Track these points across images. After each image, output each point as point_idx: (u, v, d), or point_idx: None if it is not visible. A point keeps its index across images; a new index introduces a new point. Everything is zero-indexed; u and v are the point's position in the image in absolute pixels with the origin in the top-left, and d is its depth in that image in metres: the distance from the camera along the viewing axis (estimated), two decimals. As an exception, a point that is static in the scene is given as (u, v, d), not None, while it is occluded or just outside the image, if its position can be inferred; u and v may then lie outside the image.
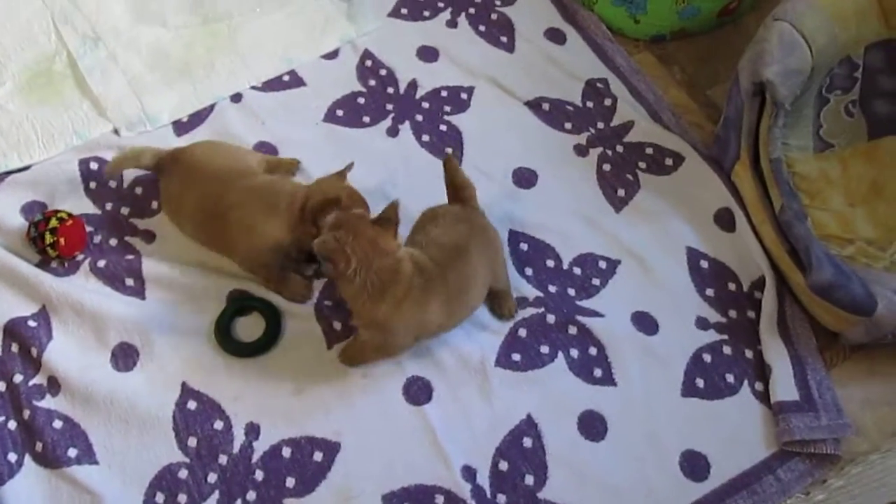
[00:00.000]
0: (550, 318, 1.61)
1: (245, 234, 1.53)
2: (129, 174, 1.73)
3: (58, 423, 1.44)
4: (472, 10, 2.08)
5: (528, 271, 1.68)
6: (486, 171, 1.80)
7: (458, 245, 1.45)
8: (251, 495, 1.41)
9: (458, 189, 1.54)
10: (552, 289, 1.66)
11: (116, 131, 1.80)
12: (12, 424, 1.44)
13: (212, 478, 1.42)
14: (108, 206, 1.70)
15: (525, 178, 1.80)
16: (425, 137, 1.84)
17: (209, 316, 1.56)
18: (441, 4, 2.09)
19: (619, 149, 1.86)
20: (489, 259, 1.51)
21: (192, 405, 1.47)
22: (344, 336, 1.56)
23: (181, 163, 1.61)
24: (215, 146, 1.69)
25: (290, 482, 1.42)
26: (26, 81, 1.87)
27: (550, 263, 1.69)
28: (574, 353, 1.59)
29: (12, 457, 1.41)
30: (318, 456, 1.45)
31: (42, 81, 1.87)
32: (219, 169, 1.58)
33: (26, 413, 1.45)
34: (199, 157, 1.61)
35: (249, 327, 1.57)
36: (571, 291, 1.66)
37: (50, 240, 1.55)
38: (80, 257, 1.61)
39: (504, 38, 2.04)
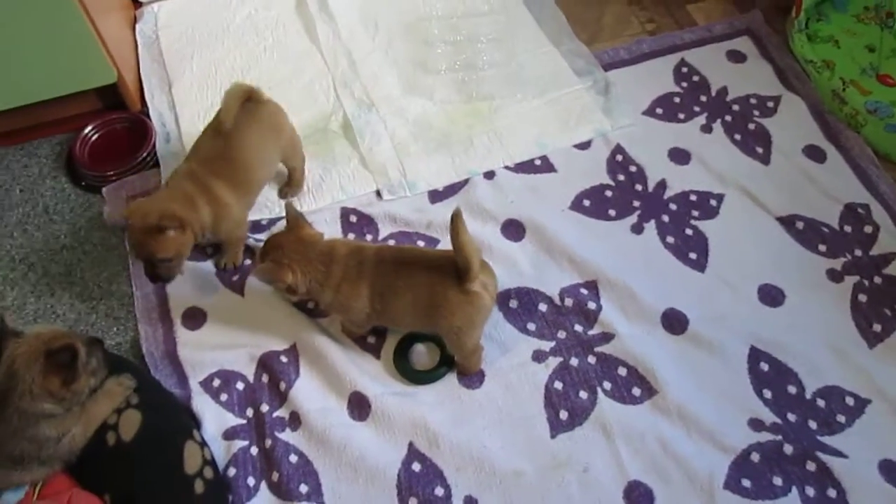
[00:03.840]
0: (787, 449, 1.52)
1: None
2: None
3: (293, 458, 1.53)
4: (728, 118, 2.07)
5: (767, 394, 1.60)
6: (731, 282, 1.76)
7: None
8: (464, 570, 1.42)
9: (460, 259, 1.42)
10: (791, 417, 1.57)
11: (378, 193, 1.92)
12: (254, 450, 1.54)
13: (426, 542, 1.44)
14: (363, 260, 1.81)
15: (771, 296, 1.74)
16: (669, 239, 1.83)
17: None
18: (697, 109, 2.09)
19: (878, 280, 1.76)
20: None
21: (416, 467, 1.51)
22: (568, 425, 1.56)
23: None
24: None
25: (502, 565, 1.42)
26: (304, 136, 2.04)
27: (792, 390, 1.60)
28: (810, 491, 1.48)
29: (251, 481, 1.50)
30: (531, 543, 1.44)
31: (318, 137, 2.05)
32: None
33: (268, 442, 1.54)
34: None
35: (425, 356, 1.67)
36: (813, 424, 1.56)
37: None
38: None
39: (760, 150, 2.00)
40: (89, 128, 2.05)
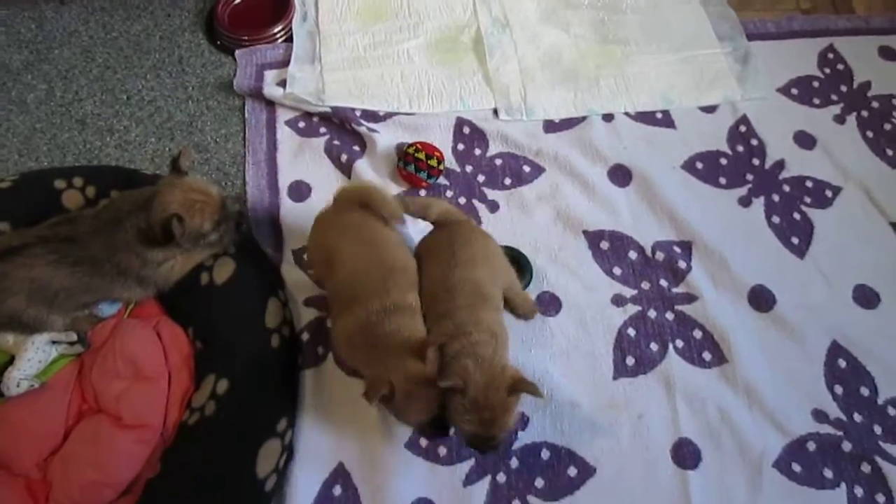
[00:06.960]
0: (846, 446, 1.51)
1: None
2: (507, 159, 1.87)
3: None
4: (864, 114, 1.99)
5: (838, 389, 1.58)
6: (827, 274, 1.72)
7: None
8: (501, 477, 1.47)
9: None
10: (857, 418, 1.55)
11: (496, 112, 1.94)
12: (329, 322, 1.61)
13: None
14: (468, 168, 1.84)
15: (866, 298, 1.70)
16: (775, 219, 1.80)
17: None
18: (834, 97, 2.02)
19: (982, 308, 1.70)
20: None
21: (478, 373, 1.56)
22: (632, 371, 1.58)
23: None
24: None
25: (539, 483, 1.46)
26: (435, 42, 2.08)
27: (865, 392, 1.58)
28: (859, 490, 1.47)
29: (320, 350, 1.58)
30: (572, 471, 1.47)
31: (447, 46, 2.07)
32: None
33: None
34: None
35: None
36: (878, 429, 1.54)
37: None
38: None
39: (890, 152, 1.93)
40: (235, -8, 2.11)
